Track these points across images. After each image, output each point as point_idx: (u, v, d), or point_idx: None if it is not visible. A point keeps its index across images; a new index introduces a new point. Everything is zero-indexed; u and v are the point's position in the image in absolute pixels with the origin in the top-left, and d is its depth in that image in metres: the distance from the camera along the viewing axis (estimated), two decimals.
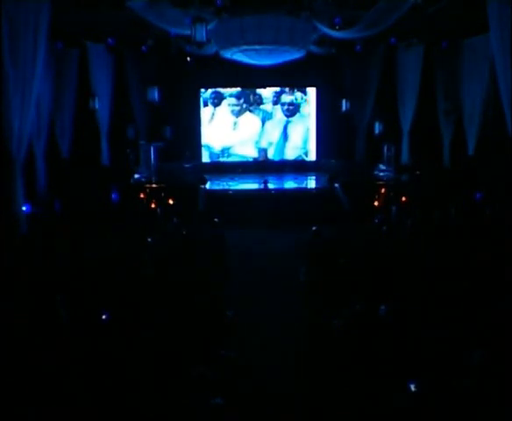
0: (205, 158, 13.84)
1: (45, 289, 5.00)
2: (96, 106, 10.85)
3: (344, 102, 12.48)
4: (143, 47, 10.46)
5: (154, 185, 10.81)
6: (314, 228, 6.98)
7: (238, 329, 4.99)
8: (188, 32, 7.17)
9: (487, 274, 5.37)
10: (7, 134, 6.98)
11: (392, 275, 5.41)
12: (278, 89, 13.69)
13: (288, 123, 13.87)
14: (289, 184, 12.39)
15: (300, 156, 14.02)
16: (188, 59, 11.19)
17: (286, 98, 13.76)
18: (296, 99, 13.80)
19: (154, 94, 11.75)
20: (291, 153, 13.99)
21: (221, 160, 13.90)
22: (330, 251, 6.55)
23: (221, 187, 11.87)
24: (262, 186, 10.96)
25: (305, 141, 13.93)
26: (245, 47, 8.78)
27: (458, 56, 10.48)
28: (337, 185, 10.93)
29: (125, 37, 10.04)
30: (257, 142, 13.92)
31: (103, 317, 4.35)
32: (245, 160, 13.86)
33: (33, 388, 3.41)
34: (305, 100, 13.78)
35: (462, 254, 6.09)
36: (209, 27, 7.17)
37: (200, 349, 4.00)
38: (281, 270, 7.46)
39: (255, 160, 13.90)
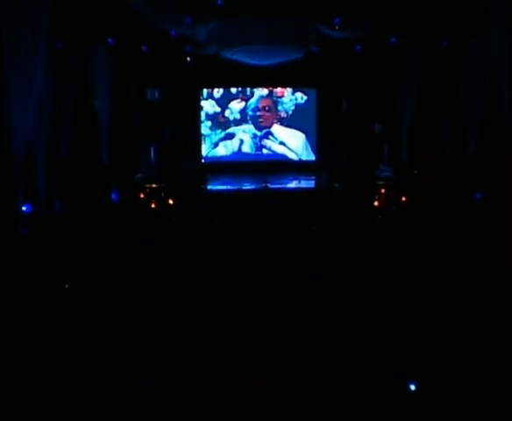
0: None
1: (45, 289, 5.01)
2: (97, 106, 10.86)
3: (344, 102, 12.49)
4: (143, 47, 10.45)
5: (154, 185, 10.80)
6: (314, 228, 6.98)
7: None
8: (188, 31, 7.20)
9: (487, 273, 5.37)
10: (7, 134, 6.97)
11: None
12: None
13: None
14: (289, 184, 12.39)
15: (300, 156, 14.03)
16: (188, 59, 11.19)
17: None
18: (296, 99, 13.79)
19: (154, 94, 11.77)
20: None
21: (221, 159, 13.91)
22: (330, 250, 6.56)
23: (221, 187, 11.87)
24: (262, 186, 10.97)
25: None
26: (245, 47, 8.79)
27: (459, 56, 10.46)
28: (337, 185, 10.93)
29: (125, 37, 10.03)
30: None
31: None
32: (245, 159, 13.86)
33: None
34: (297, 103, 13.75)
35: (461, 254, 6.10)
36: (209, 27, 7.19)
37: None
38: (281, 270, 7.44)
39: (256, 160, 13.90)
